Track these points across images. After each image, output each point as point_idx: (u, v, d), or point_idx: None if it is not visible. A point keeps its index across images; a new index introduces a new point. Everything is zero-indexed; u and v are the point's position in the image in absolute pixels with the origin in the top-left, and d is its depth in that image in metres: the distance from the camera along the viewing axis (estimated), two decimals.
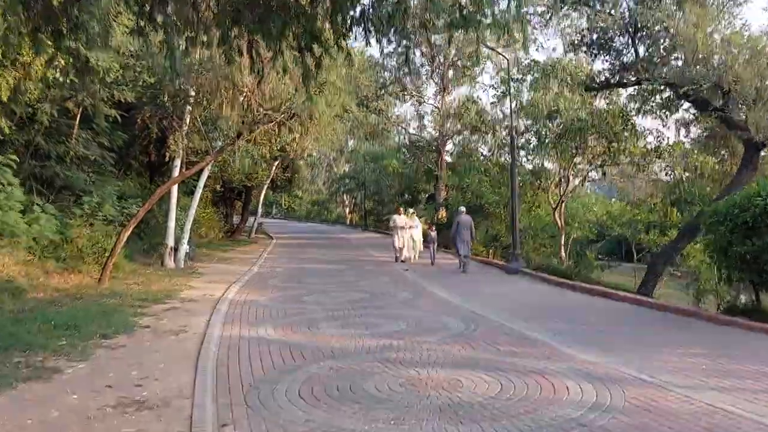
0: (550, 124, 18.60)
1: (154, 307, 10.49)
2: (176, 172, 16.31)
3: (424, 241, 19.40)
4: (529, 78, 18.84)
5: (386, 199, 46.49)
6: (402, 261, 18.77)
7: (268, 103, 12.87)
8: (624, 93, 18.23)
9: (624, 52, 14.07)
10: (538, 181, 19.50)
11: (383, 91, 30.81)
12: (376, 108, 31.09)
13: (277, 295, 12.42)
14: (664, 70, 13.33)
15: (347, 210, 63.87)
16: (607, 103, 18.70)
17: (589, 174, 18.82)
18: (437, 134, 30.97)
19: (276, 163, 31.62)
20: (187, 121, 15.93)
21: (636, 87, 16.56)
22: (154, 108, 13.25)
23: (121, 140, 18.58)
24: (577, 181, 19.59)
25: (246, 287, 13.72)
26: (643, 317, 9.47)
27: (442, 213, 28.58)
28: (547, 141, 18.28)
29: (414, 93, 31.51)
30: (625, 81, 14.03)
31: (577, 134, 17.23)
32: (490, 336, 7.93)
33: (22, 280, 12.66)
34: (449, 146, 32.17)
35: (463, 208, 18.81)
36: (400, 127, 33.36)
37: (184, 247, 18.33)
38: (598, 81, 14.58)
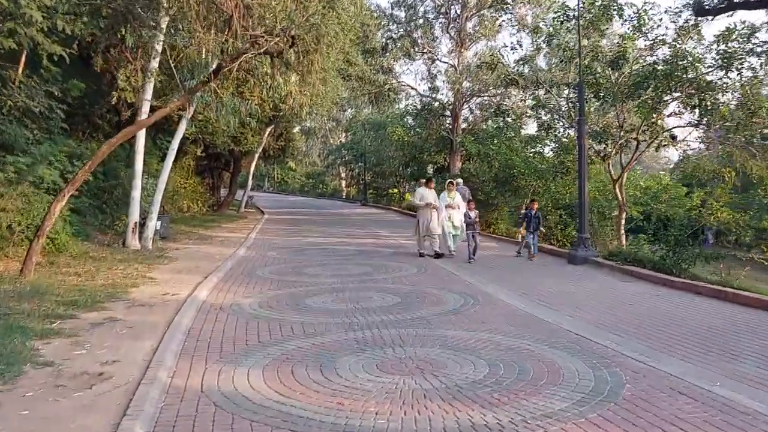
0: (611, 73, 14.82)
1: (81, 318, 6.88)
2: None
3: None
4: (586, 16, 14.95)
5: (387, 172, 42.86)
6: (434, 255, 12.81)
7: (257, 27, 9.07)
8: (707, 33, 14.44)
9: None
10: (603, 145, 15.66)
11: (392, 47, 26.87)
12: (383, 65, 27.19)
13: (269, 294, 8.82)
14: None
15: (344, 183, 60.13)
16: (676, 48, 14.87)
17: (663, 135, 15.02)
18: (453, 96, 27.10)
19: (269, 129, 27.95)
20: (154, 57, 12.07)
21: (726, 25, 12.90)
22: (94, 28, 9.41)
23: (78, 90, 14.77)
24: (643, 146, 15.76)
25: (226, 280, 10.11)
26: None
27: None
28: (616, 91, 14.41)
29: (426, 48, 27.55)
30: None
31: (663, 82, 13.41)
32: (659, 399, 4.35)
33: None
34: (464, 111, 28.36)
35: (460, 180, 17.36)
36: (410, 88, 29.39)
37: (153, 224, 14.64)
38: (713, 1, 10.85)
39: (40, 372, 4.98)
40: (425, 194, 13.23)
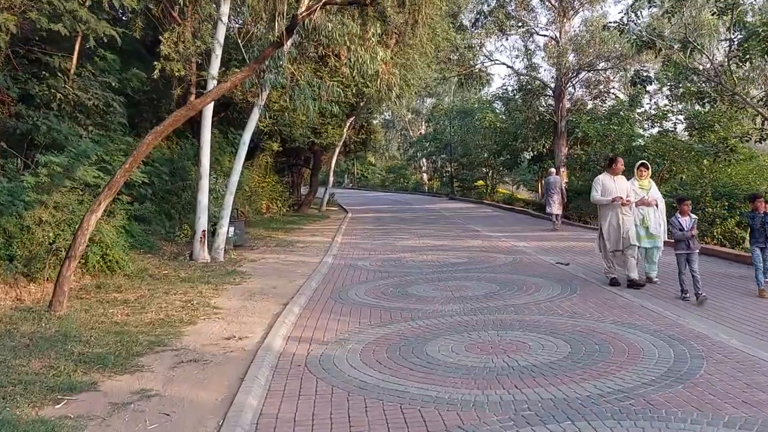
0: None
1: (102, 391, 4.58)
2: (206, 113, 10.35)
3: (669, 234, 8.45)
4: None
5: (475, 162, 39.73)
6: (637, 283, 8.14)
7: None
8: None
9: None
10: None
11: (482, 21, 23.88)
12: (473, 43, 24.23)
13: (371, 334, 6.22)
14: None
15: (426, 177, 57.36)
16: None
17: None
18: (555, 73, 23.77)
19: (349, 121, 25.72)
20: (219, 21, 9.76)
21: None
22: None
23: (138, 80, 12.89)
24: None
25: (311, 309, 7.64)
26: None
27: (563, 175, 21.65)
28: None
29: (521, 21, 24.32)
30: None
31: None
32: None
33: None
34: (569, 89, 24.91)
35: (552, 169, 17.67)
36: (504, 66, 26.35)
37: (224, 231, 12.50)
38: None
39: None
40: (610, 184, 8.30)
